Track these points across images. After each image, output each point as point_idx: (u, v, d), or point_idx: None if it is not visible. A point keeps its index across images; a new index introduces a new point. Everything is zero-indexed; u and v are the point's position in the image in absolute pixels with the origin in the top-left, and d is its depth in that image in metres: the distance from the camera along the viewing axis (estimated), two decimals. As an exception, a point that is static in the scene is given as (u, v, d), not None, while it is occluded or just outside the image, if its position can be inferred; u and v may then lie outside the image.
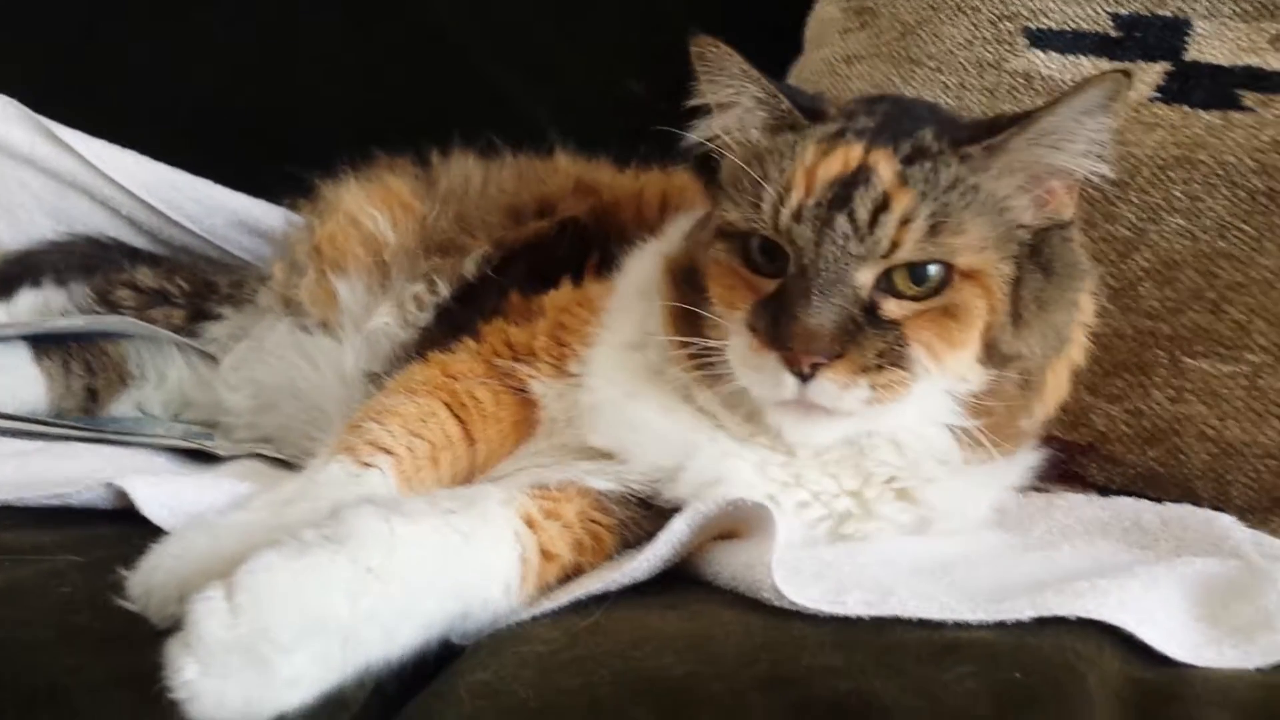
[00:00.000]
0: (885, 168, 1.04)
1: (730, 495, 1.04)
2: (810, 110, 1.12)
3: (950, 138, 1.07)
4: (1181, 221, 1.35)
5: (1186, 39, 1.47)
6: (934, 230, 1.03)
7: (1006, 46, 1.59)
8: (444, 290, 1.43)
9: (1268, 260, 1.29)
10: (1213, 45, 1.46)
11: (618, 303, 1.23)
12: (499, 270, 1.40)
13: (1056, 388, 1.16)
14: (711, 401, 1.12)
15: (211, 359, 1.66)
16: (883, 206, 1.03)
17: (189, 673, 0.81)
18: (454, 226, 1.49)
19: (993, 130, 1.07)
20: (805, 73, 1.85)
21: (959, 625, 0.91)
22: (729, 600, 0.99)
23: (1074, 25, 1.56)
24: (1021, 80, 1.57)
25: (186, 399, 1.65)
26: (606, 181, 1.52)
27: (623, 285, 1.24)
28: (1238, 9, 1.47)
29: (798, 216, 1.04)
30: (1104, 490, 1.33)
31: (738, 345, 1.06)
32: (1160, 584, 0.99)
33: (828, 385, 1.02)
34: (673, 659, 0.88)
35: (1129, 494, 1.31)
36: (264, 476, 1.33)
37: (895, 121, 1.09)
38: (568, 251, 1.39)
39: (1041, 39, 1.57)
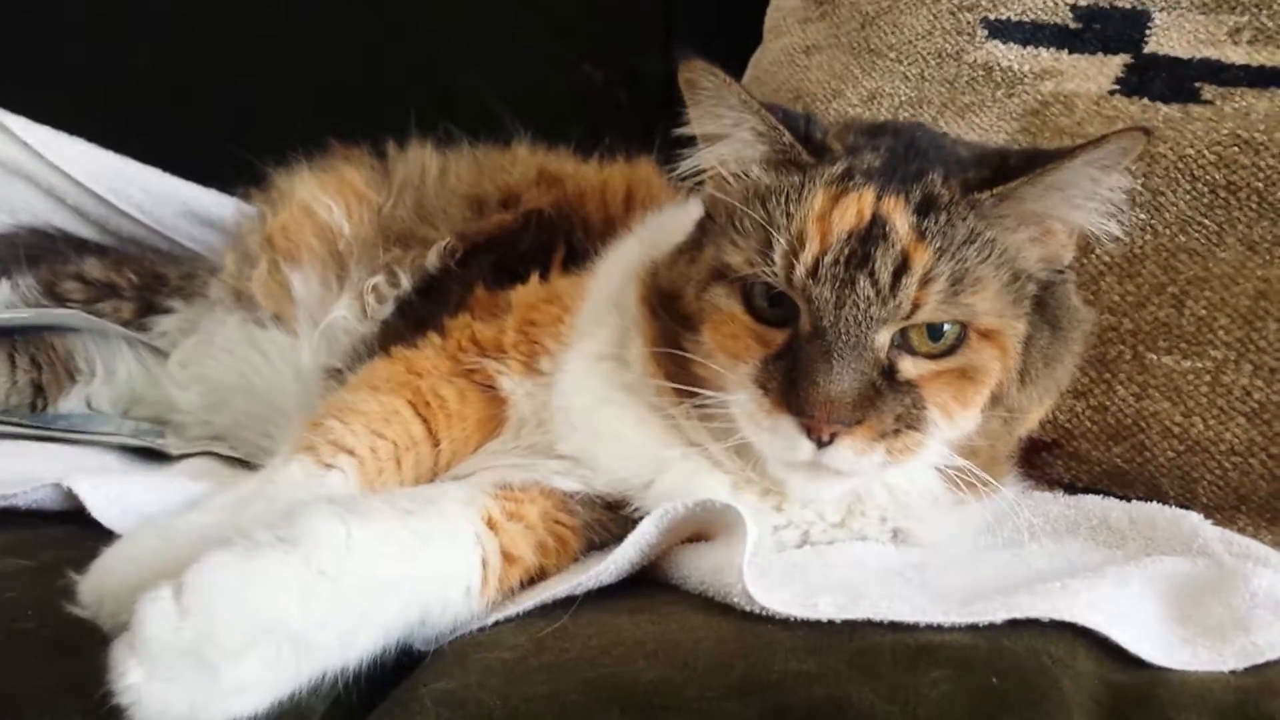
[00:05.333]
0: (900, 220, 1.00)
1: (699, 496, 1.02)
2: (812, 144, 1.07)
3: (959, 181, 1.03)
4: (1142, 215, 1.35)
5: (1146, 31, 1.47)
6: (954, 289, 0.99)
7: (966, 37, 1.59)
8: (405, 283, 1.39)
9: (1227, 255, 1.29)
10: (1172, 37, 1.46)
11: (590, 310, 1.19)
12: (462, 264, 1.38)
13: (1039, 414, 1.16)
14: (701, 434, 1.09)
15: (162, 354, 1.62)
16: (903, 266, 0.99)
17: (133, 676, 0.78)
18: (413, 217, 1.46)
19: (1001, 171, 1.03)
20: (764, 62, 1.83)
21: (932, 628, 0.90)
22: (698, 604, 0.97)
23: (1033, 16, 1.56)
24: (981, 72, 1.57)
25: (136, 395, 1.61)
26: (570, 173, 1.49)
27: (595, 291, 1.21)
28: (1196, 1, 1.47)
29: (814, 274, 0.99)
30: (1069, 487, 1.33)
31: (745, 403, 1.02)
32: (1131, 583, 0.99)
33: (846, 452, 0.99)
34: (643, 664, 0.86)
35: (1094, 491, 1.31)
36: (218, 476, 1.30)
37: (901, 160, 1.05)
38: (533, 245, 1.36)
39: (1001, 30, 1.57)
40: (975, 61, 1.56)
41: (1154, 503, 1.21)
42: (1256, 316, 1.25)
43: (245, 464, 1.39)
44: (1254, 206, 1.29)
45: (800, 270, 1.00)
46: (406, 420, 1.16)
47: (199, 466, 1.34)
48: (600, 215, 1.42)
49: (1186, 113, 1.37)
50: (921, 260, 0.99)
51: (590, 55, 2.23)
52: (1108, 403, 1.30)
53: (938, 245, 0.99)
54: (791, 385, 0.99)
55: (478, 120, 2.09)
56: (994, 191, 1.02)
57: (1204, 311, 1.28)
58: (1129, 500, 1.25)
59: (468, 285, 1.33)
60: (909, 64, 1.62)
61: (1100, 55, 1.48)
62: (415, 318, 1.35)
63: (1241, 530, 1.19)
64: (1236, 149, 1.31)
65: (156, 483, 1.13)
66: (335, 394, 1.23)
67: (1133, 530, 1.16)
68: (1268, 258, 1.27)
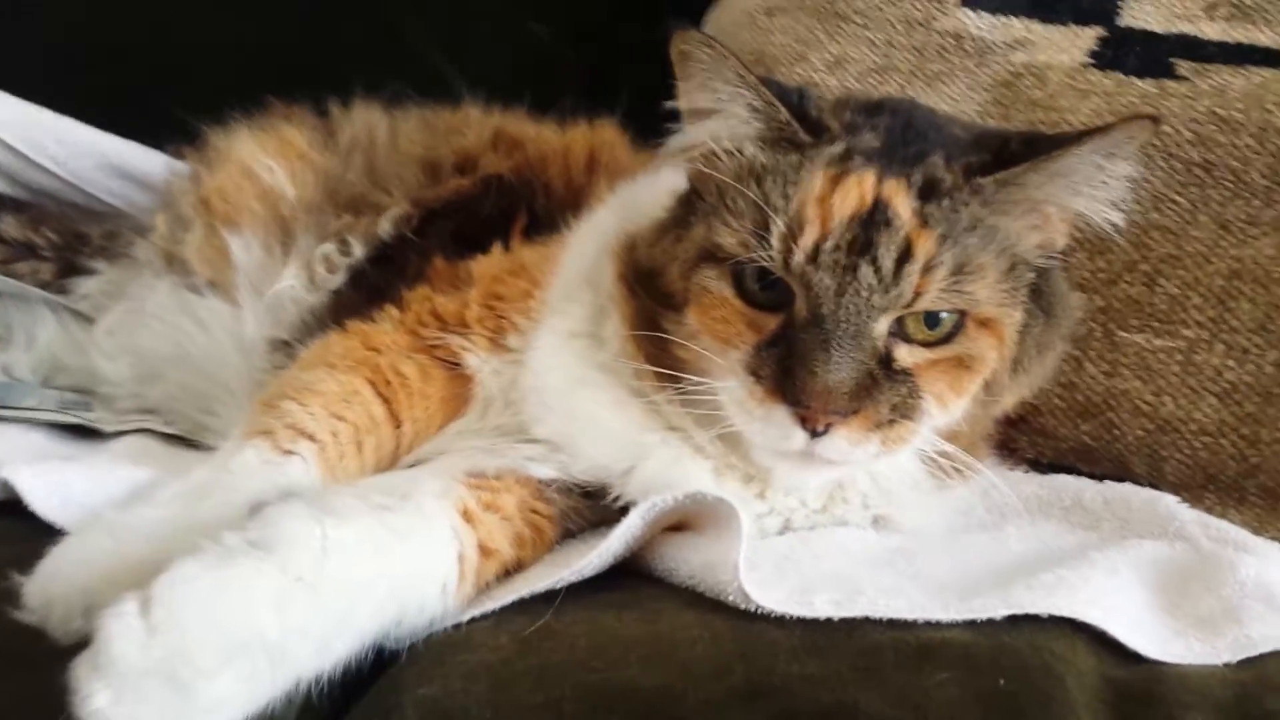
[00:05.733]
0: (902, 204, 0.96)
1: (681, 483, 0.98)
2: (809, 122, 1.02)
3: (961, 164, 0.99)
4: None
5: (1120, 3, 1.45)
6: (956, 277, 0.96)
7: (936, 4, 1.55)
8: (358, 251, 1.32)
9: (1200, 233, 1.28)
10: (1146, 11, 1.43)
11: (561, 286, 1.14)
12: (419, 231, 1.31)
13: (1021, 397, 1.14)
14: (683, 419, 1.05)
15: (85, 319, 1.53)
16: (906, 253, 0.95)
17: (99, 700, 0.73)
18: (365, 182, 1.38)
19: (1002, 155, 1.00)
20: (723, 22, 1.78)
21: (931, 624, 0.88)
22: (687, 599, 0.94)
23: (1004, -15, 1.52)
24: (951, 40, 1.53)
25: (59, 363, 1.51)
26: (531, 136, 1.42)
27: (566, 266, 1.15)
28: (1171, -26, 1.45)
29: (814, 259, 0.95)
30: (1034, 464, 1.31)
31: (736, 390, 0.98)
32: (1120, 572, 0.98)
33: (840, 442, 0.95)
34: (639, 669, 0.83)
35: (1060, 467, 1.30)
36: (158, 457, 1.22)
37: (900, 140, 1.01)
38: (493, 212, 1.30)
39: (972, -3, 1.53)
40: (945, 29, 1.52)
41: (1126, 483, 1.19)
42: (1229, 296, 1.24)
43: (184, 441, 1.32)
44: (1229, 185, 1.27)
45: (799, 255, 0.95)
46: (367, 400, 1.10)
47: (136, 445, 1.27)
48: (563, 180, 1.36)
49: (1162, 89, 1.35)
50: (925, 247, 0.95)
51: (537, 12, 2.16)
52: (1077, 380, 1.28)
53: (941, 232, 0.96)
54: (786, 373, 0.95)
55: (423, 78, 2.01)
56: (997, 177, 0.99)
57: (1176, 290, 1.27)
58: (1098, 478, 1.23)
59: (425, 254, 1.27)
60: (876, 29, 1.57)
61: (1073, 26, 1.45)
62: (369, 288, 1.28)
63: (1209, 510, 1.18)
64: (1214, 127, 1.29)
65: (99, 470, 1.05)
66: (287, 371, 1.16)
67: (1107, 511, 1.15)
68: (1241, 237, 1.26)
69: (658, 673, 0.82)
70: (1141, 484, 1.22)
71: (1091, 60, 1.43)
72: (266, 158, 1.45)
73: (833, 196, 0.97)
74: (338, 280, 1.32)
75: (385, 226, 1.33)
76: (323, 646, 0.82)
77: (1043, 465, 1.31)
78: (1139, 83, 1.38)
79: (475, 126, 1.48)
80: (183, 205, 1.48)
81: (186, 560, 0.78)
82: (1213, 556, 1.03)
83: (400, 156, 1.42)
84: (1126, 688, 0.84)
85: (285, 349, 1.27)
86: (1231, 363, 1.23)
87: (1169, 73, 1.37)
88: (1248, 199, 1.27)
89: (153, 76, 1.92)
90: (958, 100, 1.48)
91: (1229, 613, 0.93)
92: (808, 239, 0.96)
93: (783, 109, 1.01)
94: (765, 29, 1.69)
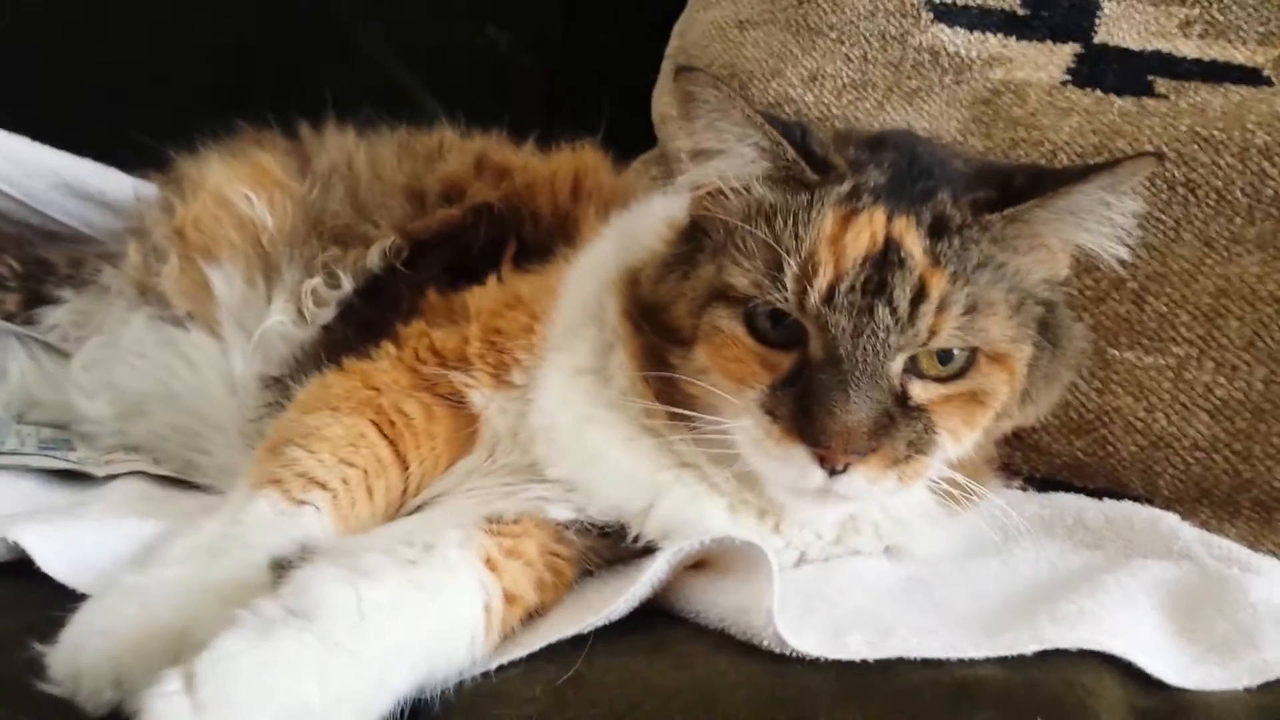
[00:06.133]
0: (914, 243, 0.97)
1: (715, 533, 0.98)
2: (815, 160, 1.02)
3: (968, 200, 1.00)
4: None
5: (1096, 20, 1.47)
6: (968, 315, 0.97)
7: (911, 20, 1.56)
8: (346, 284, 1.30)
9: (1185, 251, 1.30)
10: (1121, 28, 1.45)
11: (564, 321, 1.13)
12: (409, 264, 1.29)
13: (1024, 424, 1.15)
14: (696, 456, 1.04)
15: (56, 351, 1.49)
16: (920, 293, 0.95)
17: None
18: (349, 212, 1.36)
19: (1007, 191, 1.01)
20: (693, 35, 1.77)
21: (963, 662, 0.88)
22: (714, 641, 0.94)
23: (980, 1, 1.53)
24: (927, 56, 1.54)
25: (32, 398, 1.47)
26: (517, 163, 1.41)
27: (567, 301, 1.14)
28: (1146, -8, 1.47)
29: (829, 301, 0.95)
30: (1028, 479, 1.33)
31: (752, 430, 0.98)
32: (1136, 600, 1.00)
33: (859, 480, 0.96)
34: (680, 720, 0.83)
35: (1055, 483, 1.32)
36: (156, 501, 1.20)
37: (907, 176, 1.01)
38: (484, 242, 1.28)
39: (947, 14, 1.54)
40: (921, 45, 1.53)
41: (1126, 501, 1.22)
42: (1217, 314, 1.27)
43: (175, 480, 1.30)
44: (1211, 204, 1.30)
45: (814, 297, 0.96)
46: (373, 443, 1.08)
47: (130, 489, 1.24)
48: (550, 208, 1.35)
49: (1142, 106, 1.37)
50: (938, 287, 0.96)
51: (494, 17, 2.15)
52: (1070, 397, 1.30)
53: (952, 270, 0.97)
54: (804, 413, 0.95)
55: (380, 85, 1.99)
56: (1005, 214, 1.00)
57: (1164, 308, 1.29)
58: (1093, 494, 1.26)
59: (417, 288, 1.25)
60: (851, 45, 1.58)
61: (1049, 43, 1.47)
62: (360, 323, 1.26)
63: (1204, 524, 1.22)
64: (1196, 146, 1.31)
65: (105, 525, 1.02)
66: (286, 414, 1.14)
67: (1109, 531, 1.17)
68: (1225, 255, 1.28)
69: (700, 724, 0.82)
70: (1137, 499, 1.24)
71: (1069, 77, 1.45)
72: (242, 186, 1.42)
73: (844, 237, 0.97)
74: (327, 315, 1.30)
75: (374, 259, 1.31)
76: (363, 711, 0.81)
77: (1037, 481, 1.33)
78: (1118, 100, 1.40)
79: (456, 151, 1.47)
80: (156, 235, 1.44)
81: (227, 635, 0.77)
82: (1219, 577, 1.05)
83: (384, 185, 1.40)
84: (1155, 718, 0.86)
85: (277, 385, 1.25)
86: (1222, 379, 1.26)
87: (1147, 90, 1.40)
88: (1230, 217, 1.29)
89: (101, 96, 1.88)
90: (938, 118, 1.49)
91: (1244, 637, 0.95)
92: (822, 281, 0.96)
93: (790, 148, 1.01)
94: (737, 42, 1.69)
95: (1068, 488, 1.30)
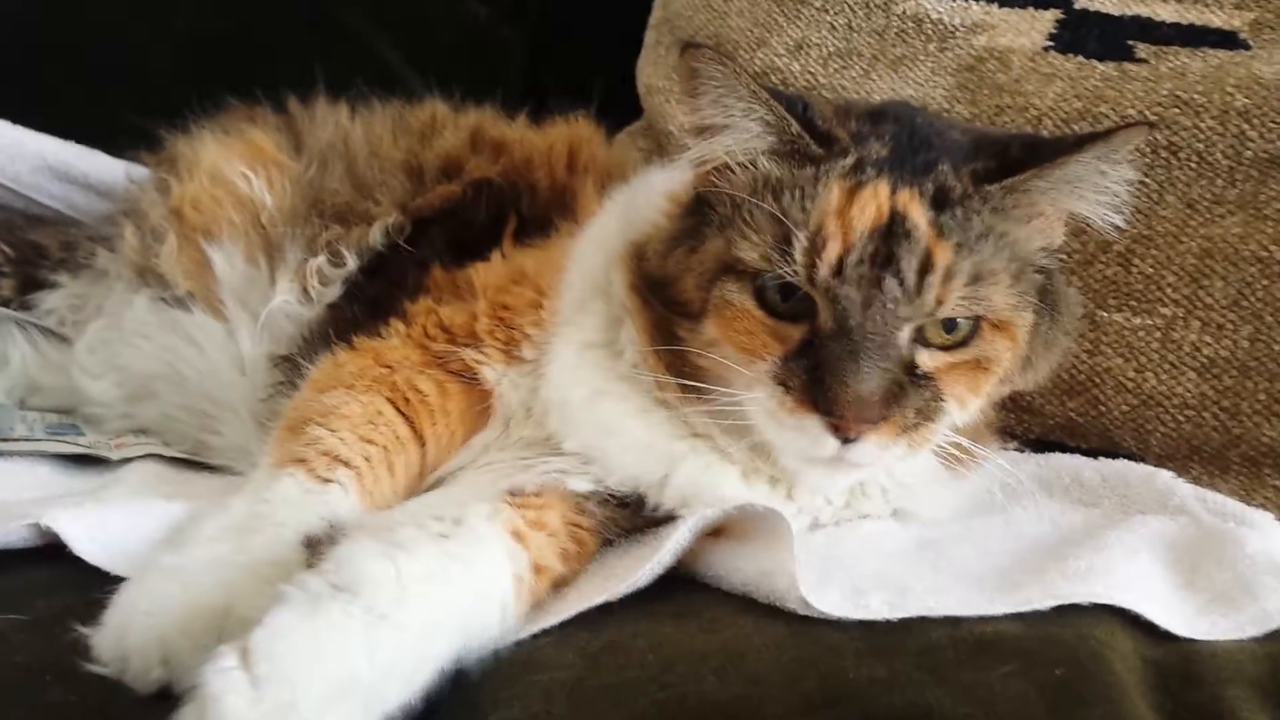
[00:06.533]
0: (919, 215, 0.99)
1: (734, 498, 1.01)
2: (818, 133, 1.03)
3: (967, 171, 1.02)
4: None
5: (1076, -16, 1.49)
6: (973, 284, 0.99)
7: (894, -14, 1.58)
8: (351, 263, 1.31)
9: (1168, 213, 1.34)
10: (1101, -9, 1.48)
11: (571, 296, 1.14)
12: (412, 241, 1.30)
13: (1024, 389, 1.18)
14: (709, 428, 1.07)
15: (56, 336, 1.49)
16: (927, 264, 0.98)
17: None
18: (349, 190, 1.37)
19: (1005, 161, 1.03)
20: (677, 5, 1.78)
21: (980, 618, 0.92)
22: (739, 605, 0.97)
23: (962, -32, 1.55)
24: (911, 23, 1.56)
25: (34, 383, 1.47)
26: (513, 137, 1.42)
27: (573, 275, 1.16)
28: (1125, -42, 1.49)
29: (838, 273, 0.97)
30: (1021, 439, 1.37)
31: (765, 401, 1.00)
32: (1140, 554, 1.03)
33: (870, 448, 0.98)
34: (714, 682, 0.85)
35: (1048, 443, 1.35)
36: (176, 484, 1.21)
37: (908, 149, 1.03)
38: (485, 218, 1.30)
39: (929, -18, 1.56)
40: (904, 12, 1.56)
41: (1120, 459, 1.25)
42: (1202, 274, 1.31)
43: (188, 461, 1.31)
44: (1193, 167, 1.33)
45: (824, 269, 0.98)
46: (391, 420, 1.10)
47: (147, 471, 1.25)
48: (548, 181, 1.36)
49: (1123, 71, 1.40)
50: (944, 257, 0.99)
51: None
52: (1063, 359, 1.33)
53: (956, 241, 0.99)
54: (817, 384, 0.97)
55: (362, 63, 1.98)
56: (1004, 184, 1.02)
57: (1151, 270, 1.33)
58: (1087, 453, 1.30)
59: (422, 264, 1.27)
60: (835, 13, 1.60)
61: (1030, 10, 1.49)
62: (367, 301, 1.28)
63: (1196, 480, 1.25)
64: (1177, 110, 1.34)
65: (132, 507, 1.03)
66: (301, 393, 1.15)
67: (1106, 488, 1.21)
68: (1208, 216, 1.32)
69: (732, 685, 0.85)
70: (1129, 457, 1.28)
71: (1051, 43, 1.47)
72: (239, 164, 1.42)
73: (851, 209, 0.99)
74: (333, 293, 1.31)
75: (376, 236, 1.32)
76: (408, 681, 0.83)
77: (1032, 442, 1.36)
78: (1100, 65, 1.43)
79: (450, 127, 1.47)
80: (153, 216, 1.44)
81: (278, 610, 0.79)
82: (1216, 531, 1.09)
83: (381, 162, 1.40)
84: (1166, 667, 0.89)
85: (287, 364, 1.26)
86: (1208, 338, 1.30)
87: (1128, 55, 1.43)
88: (1211, 179, 1.33)
89: (84, 79, 1.86)
90: (923, 85, 1.52)
91: (1244, 588, 0.99)
92: (831, 253, 0.98)
93: (794, 122, 1.03)
94: (721, 12, 1.70)
95: (1062, 448, 1.34)
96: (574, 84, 1.59)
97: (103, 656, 0.84)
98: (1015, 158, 1.04)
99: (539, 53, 2.21)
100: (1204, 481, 1.26)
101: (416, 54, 2.06)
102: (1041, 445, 1.35)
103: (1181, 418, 1.30)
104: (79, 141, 1.73)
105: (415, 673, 0.84)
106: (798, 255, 0.99)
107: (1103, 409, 1.33)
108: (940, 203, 1.01)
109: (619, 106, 1.74)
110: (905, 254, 0.98)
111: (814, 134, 1.04)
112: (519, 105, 1.55)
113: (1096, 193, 1.05)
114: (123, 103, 1.58)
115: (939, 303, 0.99)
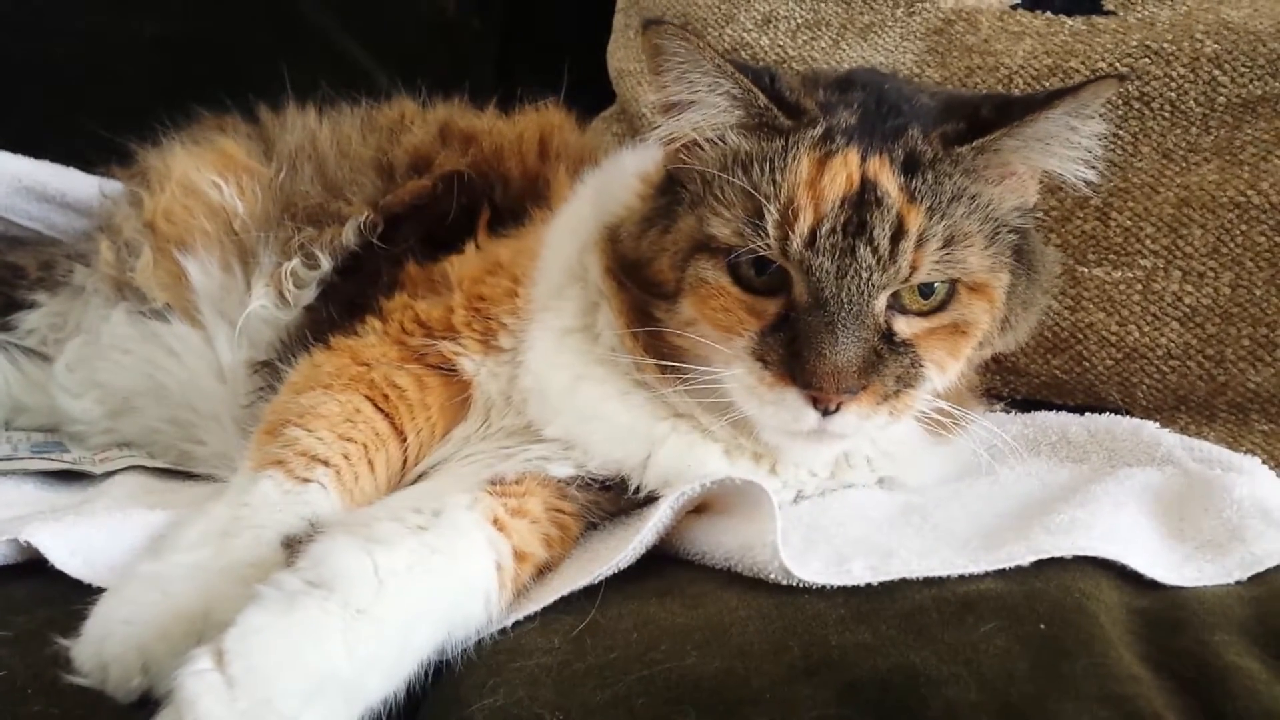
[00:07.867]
0: (889, 182, 0.98)
1: (715, 475, 1.01)
2: (786, 105, 1.03)
3: (937, 134, 1.01)
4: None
5: (1040, -58, 1.48)
6: (947, 248, 0.99)
7: (857, -45, 1.57)
8: (325, 264, 1.31)
9: (1144, 165, 1.33)
10: (1066, -53, 1.47)
11: (546, 283, 1.14)
12: (385, 238, 1.30)
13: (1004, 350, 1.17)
14: (690, 406, 1.06)
15: (37, 355, 1.49)
16: (899, 230, 0.97)
17: None
18: (320, 191, 1.36)
19: (975, 123, 1.02)
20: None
21: (964, 578, 0.91)
22: (722, 580, 0.96)
23: (925, -69, 1.54)
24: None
25: (18, 404, 1.47)
26: (482, 128, 1.41)
27: (548, 262, 1.16)
28: (1088, -92, 1.48)
29: (811, 244, 0.97)
30: (1007, 400, 1.36)
31: (743, 377, 1.00)
32: (1126, 505, 1.03)
33: (851, 418, 0.98)
34: (697, 657, 0.85)
35: (1034, 403, 1.35)
36: (159, 493, 1.21)
37: (876, 115, 1.03)
38: (456, 210, 1.29)
39: (893, -54, 1.55)
40: (871, -30, 1.55)
41: (1105, 414, 1.24)
42: (1180, 223, 1.30)
43: (172, 471, 1.31)
44: (1167, 116, 1.32)
45: (797, 242, 0.97)
46: (369, 417, 1.10)
47: (131, 483, 1.25)
48: (519, 170, 1.36)
49: (1092, 25, 1.39)
50: (916, 222, 0.98)
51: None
52: (1044, 318, 1.32)
53: (928, 205, 0.98)
54: (795, 357, 0.97)
55: (331, 63, 1.97)
56: (974, 145, 1.01)
57: (1129, 222, 1.32)
58: (1074, 409, 1.29)
59: (395, 261, 1.26)
60: (804, -23, 1.59)
61: (996, -33, 1.49)
62: (343, 300, 1.27)
63: (1184, 430, 1.25)
64: (1147, 60, 1.33)
65: (113, 520, 1.03)
66: (279, 396, 1.15)
67: (1093, 444, 1.20)
68: (1184, 165, 1.31)
69: (717, 658, 0.84)
70: (1116, 411, 1.27)
71: (1019, 1, 1.47)
72: (209, 173, 1.42)
73: (821, 180, 0.99)
74: (309, 295, 1.31)
75: (349, 236, 1.32)
76: (389, 673, 0.83)
77: (1018, 402, 1.36)
78: (1069, 21, 1.42)
79: (419, 122, 1.47)
80: (127, 230, 1.44)
81: (252, 610, 0.78)
82: (1203, 478, 1.09)
83: (351, 161, 1.40)
84: (1152, 616, 0.89)
85: (266, 369, 1.26)
86: (1189, 288, 1.29)
87: (1096, 8, 1.42)
88: (1185, 128, 1.32)
89: (42, 93, 1.86)
90: (893, 52, 1.51)
91: (1232, 532, 0.98)
92: (803, 225, 0.97)
93: (761, 95, 1.02)
94: (693, -22, 1.69)
95: (1048, 406, 1.33)
96: (545, 72, 1.58)
97: (83, 667, 0.84)
98: (985, 118, 1.03)
99: (509, 42, 2.21)
100: (1191, 431, 1.26)
101: (384, 47, 2.06)
102: (1028, 405, 1.35)
103: (1166, 368, 1.29)
104: (49, 157, 1.74)
105: (397, 665, 0.84)
106: (770, 229, 0.98)
107: (1087, 365, 1.33)
108: (911, 168, 1.00)
109: (591, 93, 1.73)
110: (877, 221, 0.97)
111: (782, 105, 1.03)
112: (489, 95, 1.55)
113: (1068, 149, 1.04)
114: (90, 112, 1.57)
115: (913, 268, 0.99)
